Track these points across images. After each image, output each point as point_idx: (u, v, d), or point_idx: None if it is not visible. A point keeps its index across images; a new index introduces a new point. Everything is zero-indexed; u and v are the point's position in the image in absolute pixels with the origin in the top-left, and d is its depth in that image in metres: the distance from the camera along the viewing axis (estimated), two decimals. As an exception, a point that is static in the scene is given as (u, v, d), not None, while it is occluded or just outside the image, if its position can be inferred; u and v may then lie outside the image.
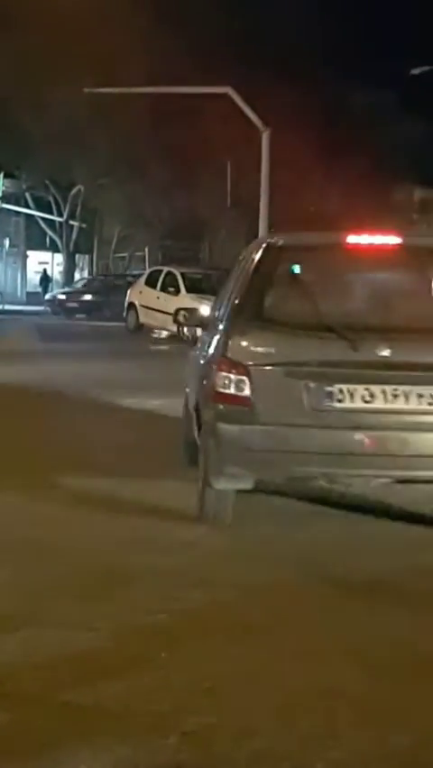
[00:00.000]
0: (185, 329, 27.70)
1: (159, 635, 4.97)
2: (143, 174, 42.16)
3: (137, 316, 30.53)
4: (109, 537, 6.72)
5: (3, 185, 49.91)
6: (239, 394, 6.89)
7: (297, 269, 7.21)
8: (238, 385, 6.90)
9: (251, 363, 6.92)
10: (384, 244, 7.62)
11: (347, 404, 6.82)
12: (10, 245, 53.49)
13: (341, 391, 6.83)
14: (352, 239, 7.55)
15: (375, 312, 7.25)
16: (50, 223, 50.40)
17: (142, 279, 31.69)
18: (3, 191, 50.13)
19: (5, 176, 49.10)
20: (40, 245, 54.15)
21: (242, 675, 4.52)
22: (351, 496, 8.39)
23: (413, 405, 6.83)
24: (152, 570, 6.00)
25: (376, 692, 4.42)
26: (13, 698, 4.19)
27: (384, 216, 49.02)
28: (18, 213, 52.83)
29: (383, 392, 6.83)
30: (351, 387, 6.83)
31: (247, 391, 6.88)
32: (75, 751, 3.75)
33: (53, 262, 54.73)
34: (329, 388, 6.83)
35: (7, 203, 51.02)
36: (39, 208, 50.61)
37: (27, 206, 51.53)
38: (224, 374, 6.96)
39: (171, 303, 28.57)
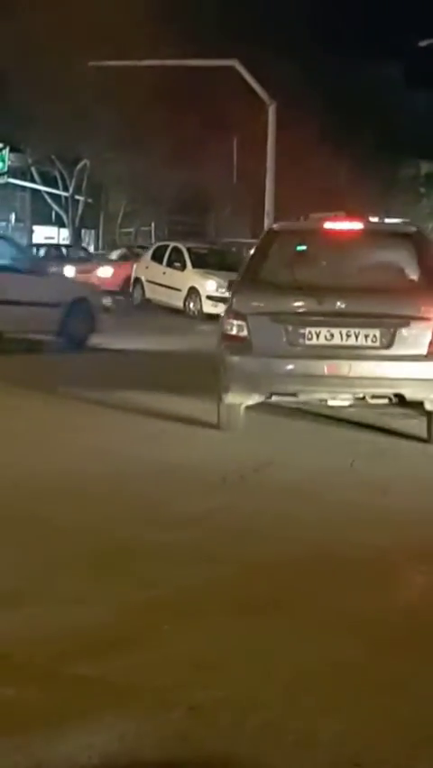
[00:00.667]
0: (191, 305, 27.78)
1: (164, 610, 4.99)
2: (149, 149, 42.00)
3: (143, 291, 30.50)
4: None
5: (8, 159, 49.77)
6: (240, 334, 9.66)
7: (301, 248, 10.52)
8: (239, 328, 9.66)
9: (248, 313, 9.67)
10: (350, 229, 10.69)
11: (314, 341, 9.52)
12: (16, 220, 53.40)
13: (310, 333, 9.51)
14: (327, 225, 10.77)
15: (336, 277, 10.07)
16: (56, 197, 50.26)
17: (148, 254, 31.61)
18: (8, 166, 49.98)
19: (11, 150, 48.93)
20: (45, 220, 54.03)
21: (247, 650, 4.54)
22: (360, 472, 8.44)
23: (361, 342, 9.47)
24: (157, 545, 6.02)
25: (382, 665, 4.44)
26: (19, 672, 4.21)
27: (391, 190, 48.98)
28: (24, 187, 52.68)
29: (340, 333, 9.50)
30: (317, 329, 9.51)
31: (245, 332, 9.63)
32: (80, 725, 3.76)
33: (59, 237, 54.62)
34: (302, 330, 9.52)
35: (13, 177, 50.86)
36: (45, 183, 50.46)
37: (33, 181, 51.36)
38: (230, 321, 9.78)
39: (177, 278, 28.56)
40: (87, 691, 4.07)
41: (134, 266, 32.02)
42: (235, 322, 9.70)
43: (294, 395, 9.90)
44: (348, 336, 9.48)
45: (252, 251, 10.76)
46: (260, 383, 9.68)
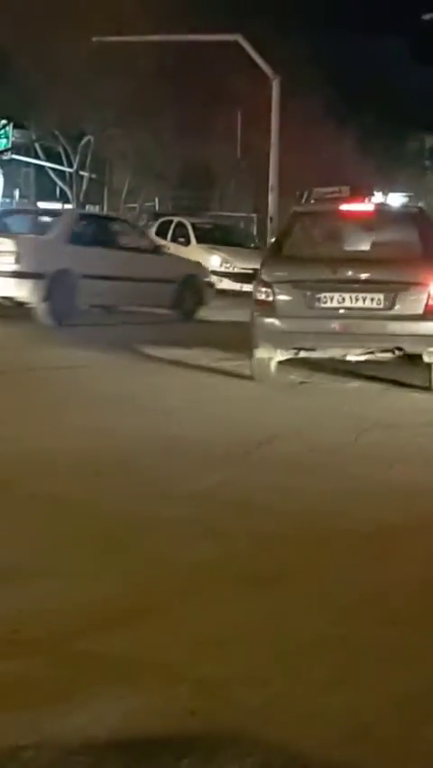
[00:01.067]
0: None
1: (171, 585, 5.00)
2: (153, 124, 41.86)
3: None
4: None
5: (12, 135, 49.62)
6: (266, 299, 11.47)
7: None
8: (266, 294, 11.47)
9: (273, 281, 11.51)
10: (360, 210, 13.17)
11: (328, 304, 11.31)
12: (20, 196, 53.28)
13: (325, 297, 11.30)
14: (342, 207, 13.33)
15: (348, 251, 12.11)
16: (60, 173, 50.08)
17: (153, 230, 31.55)
18: (12, 142, 49.83)
19: (15, 126, 48.78)
20: (50, 196, 53.87)
21: (254, 625, 4.55)
22: (365, 446, 8.45)
23: (367, 304, 11.21)
24: (164, 520, 6.03)
25: (389, 639, 4.45)
26: (26, 646, 4.22)
27: (396, 164, 48.83)
28: (28, 164, 52.51)
29: (349, 297, 11.25)
30: (330, 294, 11.28)
31: (271, 298, 11.44)
32: (88, 700, 3.77)
33: (63, 213, 54.56)
34: (318, 295, 11.31)
35: (17, 154, 50.72)
36: (49, 159, 50.26)
37: (37, 157, 51.19)
38: (259, 288, 11.64)
39: (182, 253, 28.51)
40: (94, 667, 4.08)
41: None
42: (263, 289, 11.53)
43: (312, 350, 11.63)
44: (357, 300, 11.23)
45: (279, 230, 13.25)
46: (283, 340, 11.51)
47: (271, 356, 11.62)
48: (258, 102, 33.52)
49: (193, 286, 20.62)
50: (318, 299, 11.26)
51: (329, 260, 11.57)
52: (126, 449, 7.97)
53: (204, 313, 20.42)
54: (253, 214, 43.78)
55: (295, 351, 11.60)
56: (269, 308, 11.39)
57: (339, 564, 5.40)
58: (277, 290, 11.39)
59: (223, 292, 26.63)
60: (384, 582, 5.14)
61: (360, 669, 4.15)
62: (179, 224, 29.82)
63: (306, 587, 5.04)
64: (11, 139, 49.65)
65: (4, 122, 47.51)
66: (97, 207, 53.92)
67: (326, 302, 11.26)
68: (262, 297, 11.48)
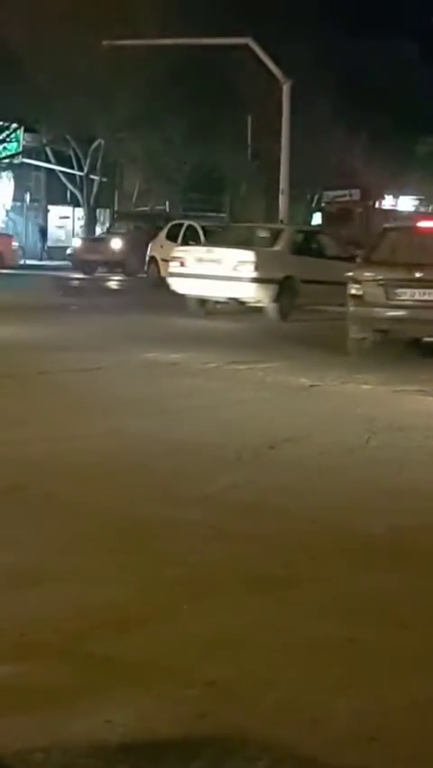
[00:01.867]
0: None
1: (180, 587, 4.99)
2: (164, 128, 41.94)
3: (158, 271, 30.47)
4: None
5: (23, 139, 49.71)
6: (357, 293, 15.03)
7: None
8: (357, 289, 15.02)
9: (362, 279, 15.08)
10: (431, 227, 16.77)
11: (402, 297, 14.72)
12: (31, 200, 53.36)
13: (399, 292, 14.73)
14: (420, 224, 17.18)
15: (419, 257, 14.98)
16: (71, 177, 50.19)
17: (163, 233, 31.57)
18: (23, 146, 49.92)
19: (26, 130, 48.87)
20: (60, 199, 53.99)
21: (263, 627, 4.55)
22: (376, 448, 8.44)
23: (430, 297, 14.53)
24: (176, 522, 6.03)
25: (398, 642, 4.44)
26: (36, 649, 4.22)
27: (407, 167, 48.78)
28: (38, 167, 52.64)
29: (418, 292, 14.69)
30: (403, 290, 14.73)
31: (361, 292, 14.99)
32: (97, 703, 3.77)
33: (74, 216, 54.60)
34: (395, 290, 14.73)
35: (28, 157, 50.82)
36: (59, 162, 50.38)
37: (47, 161, 51.32)
38: (351, 285, 15.17)
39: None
40: (104, 669, 4.08)
41: (150, 245, 32.00)
42: (354, 285, 15.10)
43: (389, 331, 15.29)
44: (423, 294, 14.63)
45: (371, 242, 17.24)
46: (368, 324, 15.10)
47: (363, 336, 15.22)
48: (269, 105, 33.54)
49: None
50: (395, 294, 14.71)
51: (405, 264, 14.98)
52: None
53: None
54: (223, 214, 43.66)
55: (377, 332, 15.16)
56: (358, 300, 15.01)
57: (350, 567, 5.39)
58: (365, 286, 14.95)
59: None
60: (395, 585, 5.13)
61: (371, 672, 4.15)
62: (190, 227, 29.84)
63: (317, 589, 5.04)
64: (22, 143, 49.73)
65: (15, 125, 47.57)
66: (108, 211, 54.04)
67: (400, 296, 14.71)
68: (354, 291, 15.06)
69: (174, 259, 22.95)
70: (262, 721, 3.69)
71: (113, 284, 35.12)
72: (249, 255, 21.32)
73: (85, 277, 37.67)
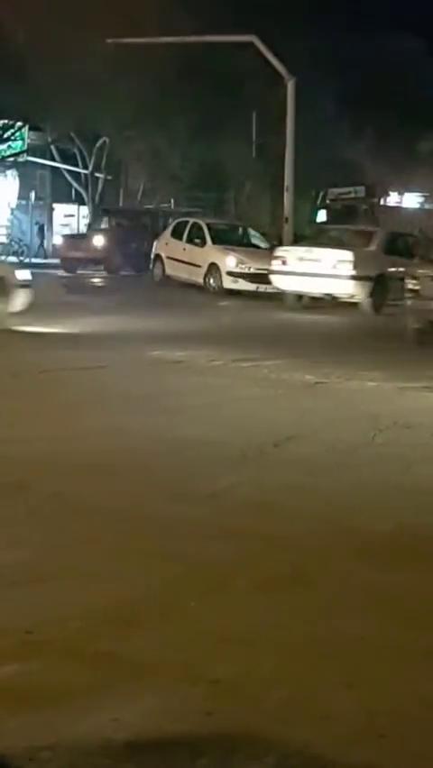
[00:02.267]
0: (211, 281, 27.93)
1: (186, 585, 4.99)
2: (168, 126, 41.89)
3: (163, 268, 30.45)
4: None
5: (28, 137, 49.66)
6: (414, 288, 16.93)
7: None
8: (414, 284, 17.01)
9: (419, 275, 17.10)
10: None
11: None
12: (36, 198, 53.32)
13: None
14: None
15: None
16: (76, 175, 50.12)
17: (168, 231, 31.52)
18: (28, 144, 49.87)
19: (30, 128, 48.81)
20: (65, 198, 53.92)
21: (270, 624, 4.54)
22: (382, 446, 8.43)
23: None
24: (181, 520, 6.02)
25: (406, 639, 4.43)
26: (42, 647, 4.21)
27: (411, 163, 48.72)
28: (43, 165, 52.55)
29: None
30: None
31: (418, 287, 16.89)
32: (104, 700, 3.77)
33: (79, 215, 54.55)
34: None
35: (32, 155, 50.76)
36: (64, 161, 50.32)
37: (52, 159, 51.25)
38: (409, 280, 17.35)
39: (198, 254, 28.51)
40: (110, 667, 4.07)
41: (155, 243, 31.96)
42: (412, 281, 17.20)
43: None
44: None
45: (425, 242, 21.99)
46: (423, 315, 16.68)
47: (419, 326, 16.77)
48: (273, 102, 33.50)
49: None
50: None
51: None
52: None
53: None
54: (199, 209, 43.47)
55: (431, 322, 16.62)
56: (415, 294, 16.90)
57: (357, 564, 5.39)
58: (421, 282, 16.87)
59: (238, 293, 26.61)
60: (402, 583, 5.12)
61: (378, 669, 4.14)
62: (195, 225, 29.81)
63: (323, 587, 5.03)
64: (26, 141, 49.69)
65: (19, 124, 47.53)
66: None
67: None
68: (411, 286, 17.12)
69: (276, 258, 24.69)
70: (268, 719, 3.68)
71: (97, 280, 33.95)
72: (348, 255, 23.45)
73: (67, 275, 35.12)
